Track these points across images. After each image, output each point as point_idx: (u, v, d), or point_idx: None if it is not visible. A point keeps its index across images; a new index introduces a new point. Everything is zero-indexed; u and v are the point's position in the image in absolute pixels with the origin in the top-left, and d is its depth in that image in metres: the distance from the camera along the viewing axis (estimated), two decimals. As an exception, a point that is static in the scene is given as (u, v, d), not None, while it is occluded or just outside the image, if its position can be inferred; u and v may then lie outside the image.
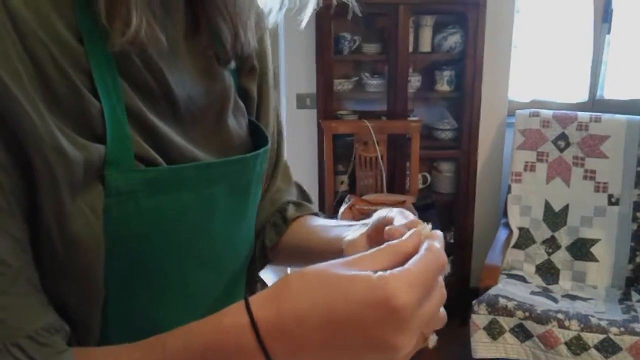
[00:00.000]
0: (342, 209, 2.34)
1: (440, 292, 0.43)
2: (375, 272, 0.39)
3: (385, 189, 2.57)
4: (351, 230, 0.57)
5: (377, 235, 0.53)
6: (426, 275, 0.40)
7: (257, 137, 0.63)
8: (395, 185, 2.70)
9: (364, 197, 2.44)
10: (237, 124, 0.61)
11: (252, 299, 0.42)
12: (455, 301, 2.74)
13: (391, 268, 0.40)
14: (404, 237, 0.45)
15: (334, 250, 0.57)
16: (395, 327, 0.38)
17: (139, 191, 0.47)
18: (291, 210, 0.70)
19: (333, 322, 0.38)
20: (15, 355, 0.41)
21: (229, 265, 0.59)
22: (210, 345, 0.41)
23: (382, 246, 0.43)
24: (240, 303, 0.42)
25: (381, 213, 0.54)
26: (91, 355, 0.46)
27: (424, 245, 0.43)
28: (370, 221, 0.56)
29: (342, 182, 2.74)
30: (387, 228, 0.50)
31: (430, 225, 0.48)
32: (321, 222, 0.69)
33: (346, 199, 2.43)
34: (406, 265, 0.40)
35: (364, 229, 0.56)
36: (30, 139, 0.41)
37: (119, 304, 0.50)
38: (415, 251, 0.43)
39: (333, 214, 2.49)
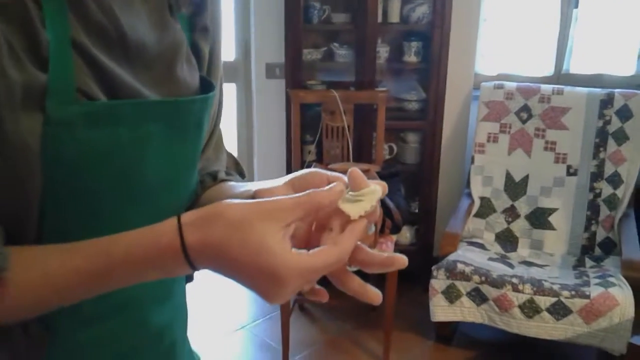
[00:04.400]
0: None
1: (324, 272, 0.49)
2: (288, 225, 0.47)
3: (351, 159, 2.60)
4: (262, 184, 0.61)
5: (303, 186, 0.56)
6: (319, 269, 0.47)
7: (206, 90, 0.65)
8: (362, 154, 2.74)
9: (329, 166, 2.47)
10: (188, 75, 0.63)
11: (185, 223, 0.48)
12: (417, 269, 2.82)
13: (305, 218, 0.49)
14: (325, 189, 0.50)
15: (242, 198, 0.59)
16: (277, 291, 0.47)
17: (77, 123, 0.50)
18: (209, 180, 0.72)
19: (238, 262, 0.47)
20: None
21: (166, 208, 0.60)
22: (149, 258, 0.48)
23: (302, 195, 0.49)
24: (174, 226, 0.48)
25: (311, 169, 0.58)
26: (31, 252, 0.50)
27: (341, 239, 0.49)
28: (295, 174, 0.59)
29: (309, 152, 2.77)
30: (351, 170, 0.54)
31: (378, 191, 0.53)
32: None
33: (312, 168, 2.47)
34: (312, 254, 0.47)
35: (280, 182, 0.59)
36: None
37: (55, 227, 0.53)
38: (329, 207, 0.49)
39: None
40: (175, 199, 0.63)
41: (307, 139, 2.78)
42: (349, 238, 0.49)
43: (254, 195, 0.58)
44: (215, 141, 0.75)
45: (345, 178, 0.53)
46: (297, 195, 0.49)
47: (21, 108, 0.47)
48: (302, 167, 2.65)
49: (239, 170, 0.78)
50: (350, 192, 0.51)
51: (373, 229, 0.52)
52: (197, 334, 2.65)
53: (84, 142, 0.51)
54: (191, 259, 0.47)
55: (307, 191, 0.49)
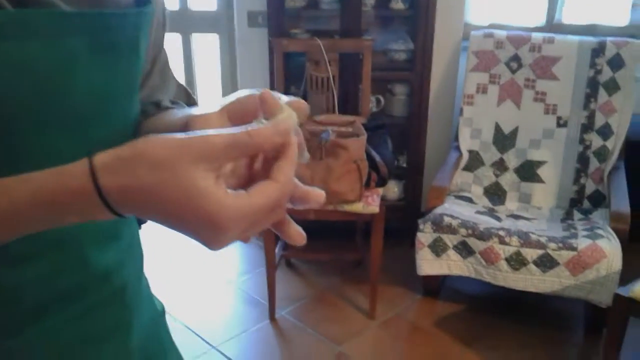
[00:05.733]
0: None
1: (267, 220, 0.45)
2: (221, 167, 0.41)
3: (337, 110, 2.53)
4: (197, 110, 0.54)
5: (238, 112, 0.50)
6: (262, 208, 0.42)
7: (141, 6, 0.59)
8: (348, 107, 2.67)
9: (314, 118, 2.40)
10: None
11: (99, 166, 0.41)
12: (405, 224, 2.79)
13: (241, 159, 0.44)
14: (268, 126, 0.43)
15: (177, 127, 0.54)
16: (217, 238, 0.42)
17: None
18: (152, 108, 0.66)
19: (169, 206, 0.41)
20: None
21: (100, 138, 0.54)
22: (60, 203, 0.42)
23: (238, 133, 0.41)
24: (85, 168, 0.41)
25: (245, 92, 0.52)
26: None
27: (277, 171, 0.43)
28: (230, 98, 0.53)
29: (294, 104, 2.69)
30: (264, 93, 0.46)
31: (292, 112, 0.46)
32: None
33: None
34: (250, 193, 0.41)
35: (215, 108, 0.52)
36: None
37: None
38: (272, 148, 0.43)
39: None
40: (110, 129, 0.57)
41: (292, 90, 2.70)
42: (285, 167, 0.43)
43: (187, 123, 0.52)
44: (161, 67, 0.69)
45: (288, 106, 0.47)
46: (233, 132, 0.41)
47: None
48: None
49: (190, 102, 0.72)
50: (264, 120, 0.45)
51: (307, 156, 0.47)
52: (184, 289, 2.62)
53: None
54: (112, 205, 0.41)
55: (245, 128, 0.42)
